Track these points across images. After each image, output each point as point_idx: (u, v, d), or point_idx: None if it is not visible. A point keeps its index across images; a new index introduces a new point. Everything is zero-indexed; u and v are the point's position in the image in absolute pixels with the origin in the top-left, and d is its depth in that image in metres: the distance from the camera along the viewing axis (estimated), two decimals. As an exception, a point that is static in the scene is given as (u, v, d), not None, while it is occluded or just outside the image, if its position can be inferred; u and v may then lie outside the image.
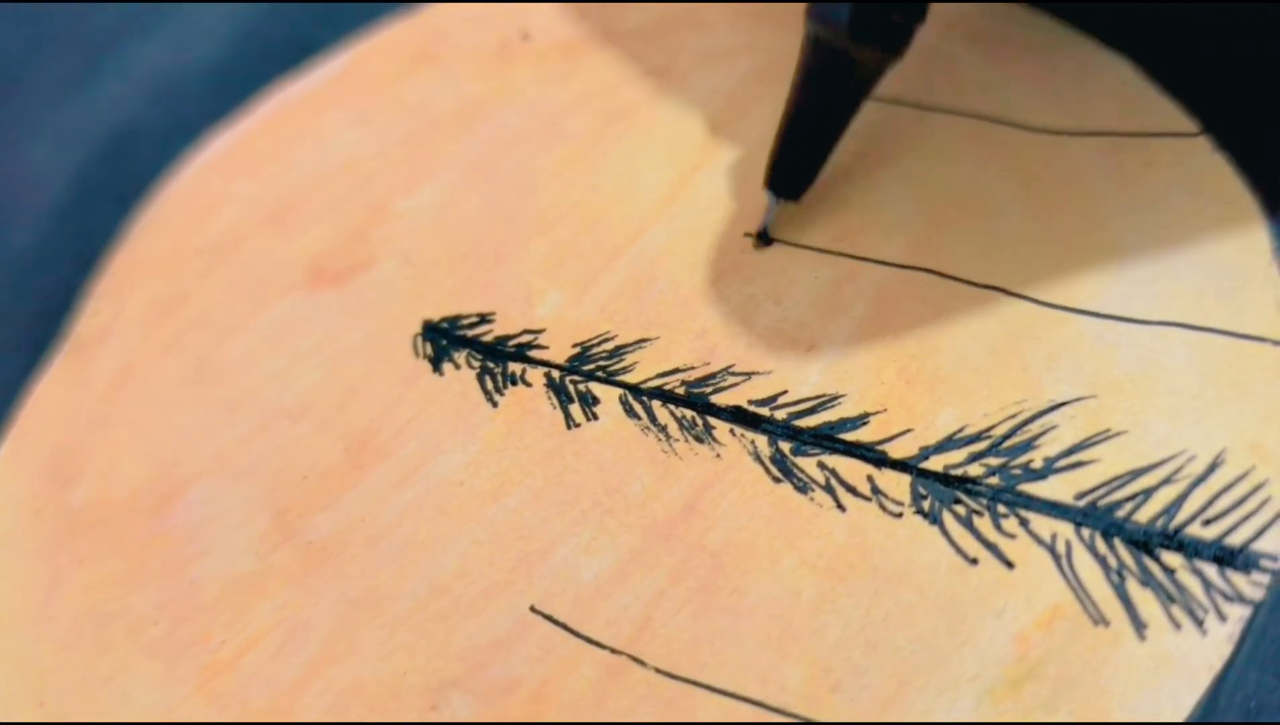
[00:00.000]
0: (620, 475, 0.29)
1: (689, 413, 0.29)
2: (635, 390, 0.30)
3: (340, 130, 0.39)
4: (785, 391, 0.29)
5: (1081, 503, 0.26)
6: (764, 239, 0.32)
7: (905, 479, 0.27)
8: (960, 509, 0.26)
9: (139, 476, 0.32)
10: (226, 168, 0.39)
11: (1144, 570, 0.24)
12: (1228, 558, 0.24)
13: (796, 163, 0.32)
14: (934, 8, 0.32)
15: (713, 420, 0.29)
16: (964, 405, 0.28)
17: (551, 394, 0.30)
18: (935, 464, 0.27)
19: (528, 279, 0.33)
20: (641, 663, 0.26)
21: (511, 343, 0.32)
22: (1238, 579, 0.24)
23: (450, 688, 0.26)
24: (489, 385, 0.31)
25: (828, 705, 0.24)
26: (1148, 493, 0.25)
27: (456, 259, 0.34)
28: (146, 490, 0.32)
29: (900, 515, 0.26)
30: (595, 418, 0.30)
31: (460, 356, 0.32)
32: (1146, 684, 0.23)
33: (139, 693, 0.28)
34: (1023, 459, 0.26)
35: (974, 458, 0.27)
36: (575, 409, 0.30)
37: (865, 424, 0.28)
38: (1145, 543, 0.25)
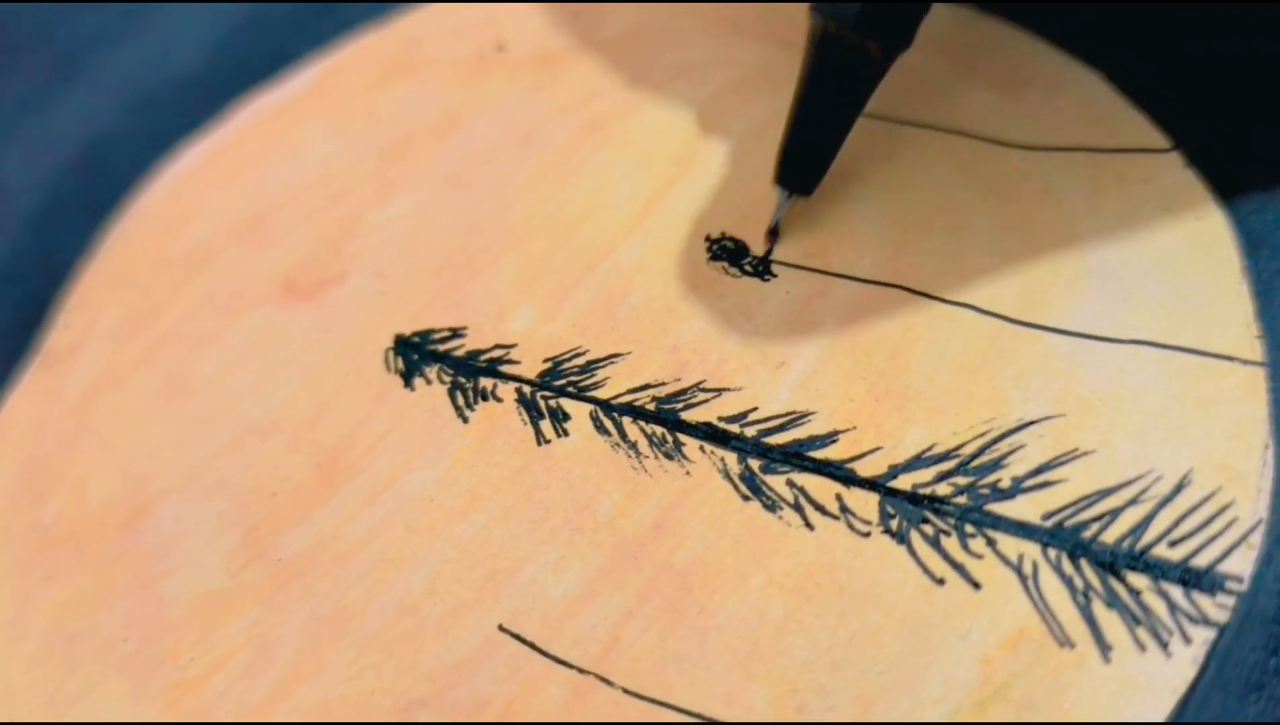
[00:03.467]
0: (590, 492, 0.29)
1: (659, 429, 0.29)
2: (606, 406, 0.30)
3: (314, 142, 0.39)
4: (755, 408, 0.29)
5: (1048, 523, 0.26)
6: (774, 235, 0.32)
7: (873, 498, 0.27)
8: (928, 528, 0.26)
9: (109, 492, 0.32)
10: (200, 179, 0.39)
11: (1110, 591, 0.24)
12: (1193, 579, 0.24)
13: (807, 157, 0.31)
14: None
15: (683, 437, 0.29)
16: (933, 423, 0.28)
17: (522, 410, 0.30)
18: (903, 483, 0.27)
19: (500, 293, 0.33)
20: (609, 683, 0.26)
21: (483, 358, 0.32)
22: (1203, 601, 0.24)
23: (418, 708, 0.26)
24: (460, 401, 0.31)
25: (793, 727, 0.24)
26: (1114, 513, 0.25)
27: (429, 273, 0.34)
28: (117, 506, 0.32)
29: (868, 534, 0.26)
30: (566, 434, 0.30)
31: (432, 371, 0.32)
32: (1111, 707, 0.23)
33: (108, 712, 0.28)
34: (991, 478, 0.26)
35: (942, 477, 0.27)
36: (546, 425, 0.30)
37: (834, 442, 0.28)
38: (1111, 564, 0.25)
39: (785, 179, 0.32)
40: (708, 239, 0.32)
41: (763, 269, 0.31)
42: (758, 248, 0.32)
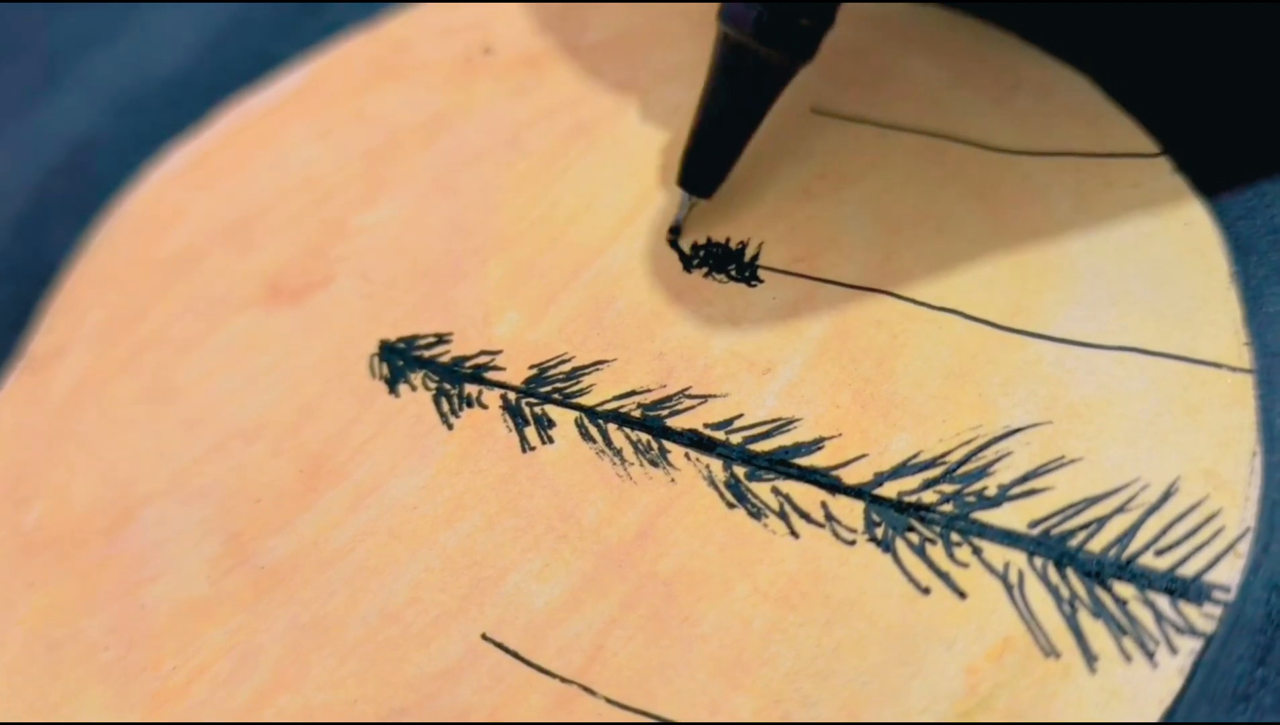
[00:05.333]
0: (575, 500, 0.28)
1: (644, 436, 0.29)
2: (591, 413, 0.30)
3: (300, 144, 0.39)
4: (741, 415, 0.29)
5: (1035, 531, 0.25)
6: (675, 233, 0.32)
7: (859, 506, 0.27)
8: (913, 537, 0.26)
9: (92, 497, 0.32)
10: (186, 182, 0.39)
11: (1096, 601, 0.24)
12: (1180, 589, 0.24)
13: (707, 160, 0.32)
14: (892, 25, 0.32)
15: (668, 444, 0.29)
16: (919, 430, 0.27)
17: (507, 416, 0.30)
18: (889, 490, 0.27)
19: (486, 298, 0.33)
20: (592, 692, 0.26)
21: (468, 364, 0.31)
22: (1190, 611, 0.24)
23: (400, 717, 0.26)
24: (445, 407, 0.31)
25: (777, 738, 0.24)
26: (1101, 521, 0.25)
27: (415, 277, 0.34)
28: (100, 512, 0.31)
29: (853, 543, 0.26)
30: (551, 441, 0.29)
31: (416, 377, 0.32)
32: (1096, 718, 0.23)
33: (89, 720, 0.28)
34: (977, 486, 0.26)
35: (928, 484, 0.27)
36: (531, 432, 0.30)
37: (820, 449, 0.28)
38: (1098, 573, 0.25)
39: (686, 181, 0.32)
40: (694, 246, 0.32)
41: (749, 274, 0.31)
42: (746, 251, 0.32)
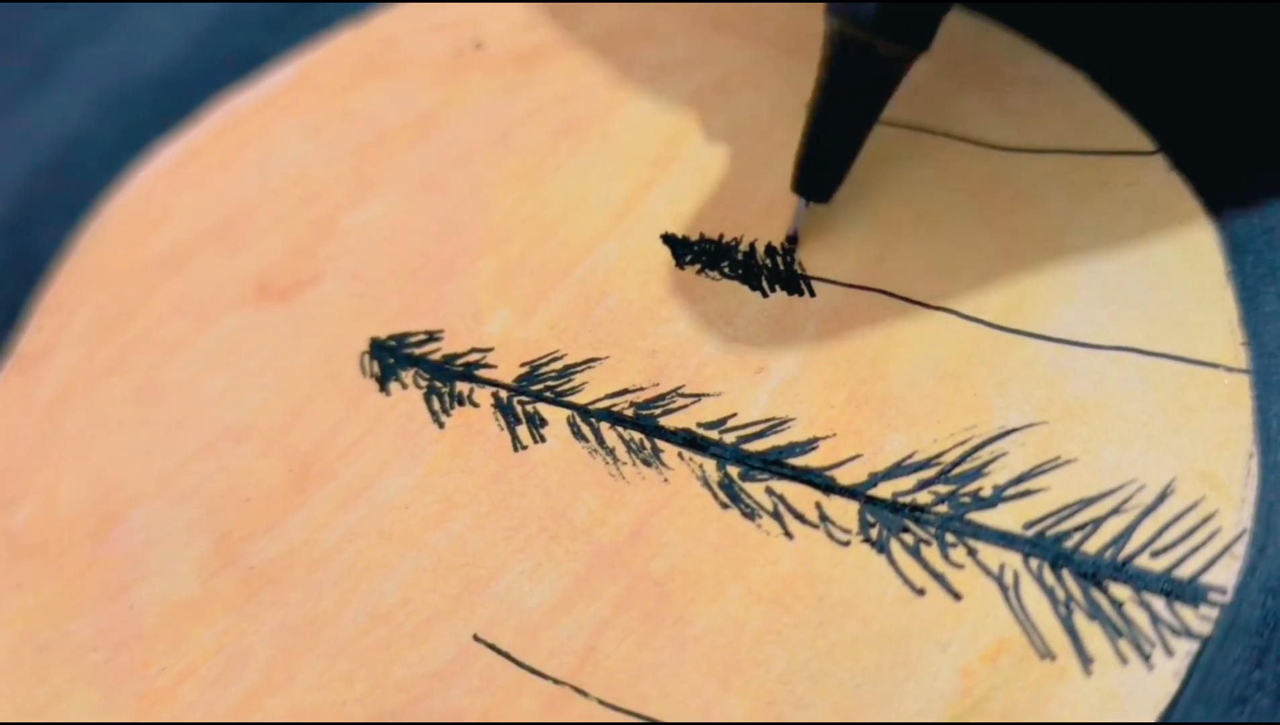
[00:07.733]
0: (567, 499, 0.28)
1: (637, 435, 0.29)
2: (584, 411, 0.29)
3: (289, 142, 0.38)
4: (735, 414, 0.29)
5: (1030, 532, 0.25)
6: (793, 242, 0.31)
7: (853, 506, 0.26)
8: (908, 538, 0.26)
9: (80, 499, 0.31)
10: (173, 180, 0.39)
11: (1091, 603, 0.24)
12: (1176, 590, 0.24)
13: (824, 164, 0.30)
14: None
15: (661, 443, 0.28)
16: (913, 431, 0.27)
17: (499, 415, 0.30)
18: (884, 491, 0.26)
19: (477, 296, 0.33)
20: (584, 694, 0.25)
21: (459, 362, 0.31)
22: (1186, 613, 0.24)
23: (391, 718, 0.26)
24: (436, 405, 0.31)
25: (771, 740, 0.24)
26: (1097, 523, 0.25)
27: (405, 275, 0.34)
28: (88, 513, 0.31)
29: (848, 544, 0.26)
30: (543, 440, 0.29)
31: (407, 376, 0.31)
32: (1092, 720, 0.23)
33: (77, 721, 0.28)
34: (972, 487, 0.26)
35: (923, 485, 0.26)
36: (523, 430, 0.30)
37: (814, 449, 0.28)
38: (1093, 574, 0.24)
39: (803, 187, 0.31)
40: (686, 242, 0.32)
41: (753, 273, 0.31)
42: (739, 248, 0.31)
